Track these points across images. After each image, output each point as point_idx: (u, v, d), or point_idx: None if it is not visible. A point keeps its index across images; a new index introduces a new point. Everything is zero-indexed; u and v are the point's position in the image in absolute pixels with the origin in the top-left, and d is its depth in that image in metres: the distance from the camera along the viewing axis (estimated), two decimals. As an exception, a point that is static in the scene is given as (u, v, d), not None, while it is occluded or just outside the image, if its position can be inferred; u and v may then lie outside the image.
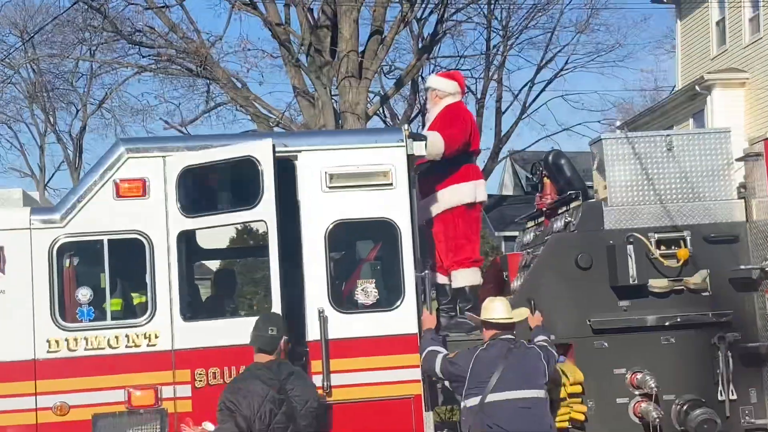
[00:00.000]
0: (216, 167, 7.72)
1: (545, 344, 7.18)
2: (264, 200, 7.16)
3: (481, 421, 6.76)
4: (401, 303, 7.42)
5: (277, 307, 7.06)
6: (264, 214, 7.19)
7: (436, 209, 8.35)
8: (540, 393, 6.90)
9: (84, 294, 7.23)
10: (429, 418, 7.40)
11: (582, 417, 7.57)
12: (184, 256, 7.55)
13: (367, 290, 7.62)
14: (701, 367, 7.76)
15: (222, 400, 6.36)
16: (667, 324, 7.75)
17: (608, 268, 7.77)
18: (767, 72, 24.25)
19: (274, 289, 7.09)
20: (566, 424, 7.57)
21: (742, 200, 8.01)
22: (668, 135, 8.17)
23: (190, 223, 7.46)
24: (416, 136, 7.92)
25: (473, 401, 6.87)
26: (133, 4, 24.03)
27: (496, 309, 7.13)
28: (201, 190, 8.03)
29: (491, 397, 6.77)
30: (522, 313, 7.36)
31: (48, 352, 7.08)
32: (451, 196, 8.33)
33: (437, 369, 7.09)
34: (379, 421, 7.32)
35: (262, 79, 45.72)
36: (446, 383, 7.28)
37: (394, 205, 7.49)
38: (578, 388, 7.53)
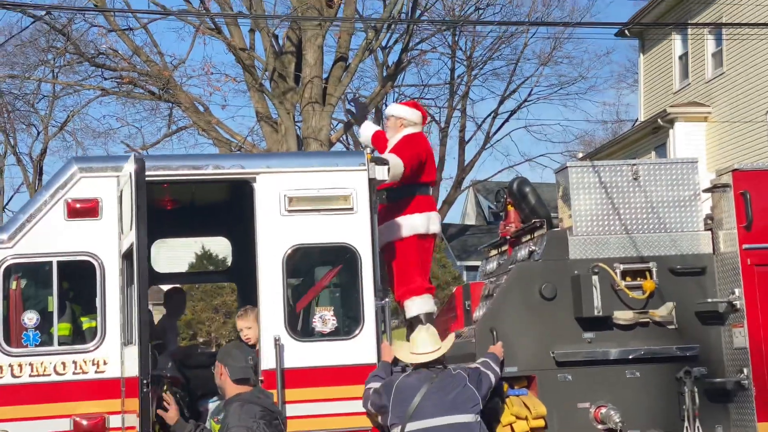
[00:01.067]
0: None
1: (477, 366, 7.08)
2: None
3: None
4: (360, 332, 7.32)
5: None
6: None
7: (388, 239, 8.30)
8: (468, 418, 6.79)
9: (30, 318, 7.05)
10: None
11: None
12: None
13: (325, 318, 7.49)
14: (667, 402, 7.68)
15: None
16: (631, 357, 7.67)
17: (573, 298, 7.70)
18: (729, 106, 24.54)
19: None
20: None
21: (709, 232, 7.99)
22: (634, 164, 8.14)
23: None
24: (378, 160, 7.88)
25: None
26: (96, 26, 23.90)
27: (419, 344, 7.07)
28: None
29: (410, 426, 6.70)
30: (449, 341, 7.27)
31: None
32: (405, 226, 8.31)
33: (368, 405, 7.06)
34: None
35: (224, 103, 45.61)
36: (379, 419, 7.15)
37: (354, 231, 7.41)
38: (541, 422, 7.43)
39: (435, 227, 8.51)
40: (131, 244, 6.88)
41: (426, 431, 6.73)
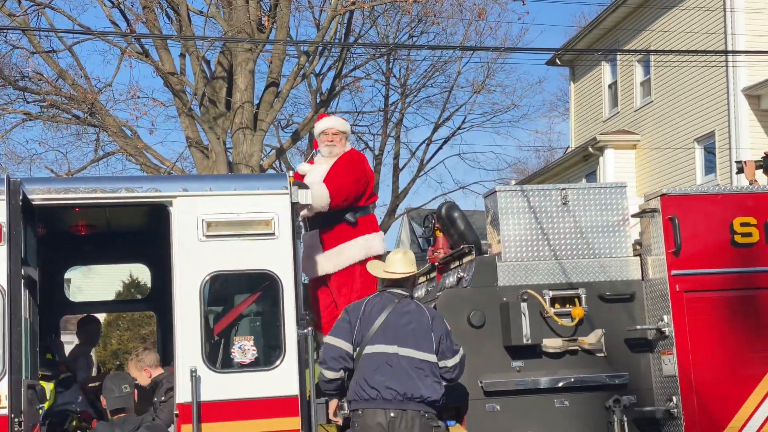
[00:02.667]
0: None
1: (448, 331, 7.16)
2: None
3: (357, 376, 7.01)
4: (281, 362, 7.16)
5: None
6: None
7: (333, 266, 8.29)
8: (429, 356, 6.94)
9: None
10: None
11: None
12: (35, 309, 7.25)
13: (244, 348, 7.30)
14: None
15: None
16: (560, 386, 7.67)
17: (501, 326, 7.67)
18: (658, 134, 24.95)
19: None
20: None
21: (638, 257, 8.06)
22: (563, 188, 8.18)
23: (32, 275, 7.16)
24: (302, 184, 7.80)
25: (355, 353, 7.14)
26: (19, 48, 23.48)
27: (394, 262, 7.30)
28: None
29: (368, 349, 7.00)
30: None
31: None
32: (350, 251, 8.29)
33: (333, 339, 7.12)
34: None
35: (153, 128, 45.33)
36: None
37: (276, 257, 7.27)
38: None
39: (377, 248, 8.47)
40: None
41: (381, 356, 6.90)
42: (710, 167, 23.14)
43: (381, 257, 8.37)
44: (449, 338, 7.11)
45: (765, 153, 10.53)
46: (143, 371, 7.86)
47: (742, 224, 7.80)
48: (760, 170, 10.27)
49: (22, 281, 6.74)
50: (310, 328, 7.40)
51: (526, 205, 7.99)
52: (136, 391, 7.29)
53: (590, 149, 26.63)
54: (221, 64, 22.69)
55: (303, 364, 7.24)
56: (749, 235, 7.80)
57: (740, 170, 10.82)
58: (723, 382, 7.64)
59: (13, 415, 6.29)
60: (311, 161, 8.87)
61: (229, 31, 21.60)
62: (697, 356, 7.61)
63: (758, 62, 20.55)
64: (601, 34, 27.55)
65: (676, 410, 7.53)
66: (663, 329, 7.62)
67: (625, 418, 7.61)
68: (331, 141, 8.61)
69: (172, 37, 22.61)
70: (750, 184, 10.22)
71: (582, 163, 27.61)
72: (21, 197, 6.69)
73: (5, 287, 6.64)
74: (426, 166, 37.32)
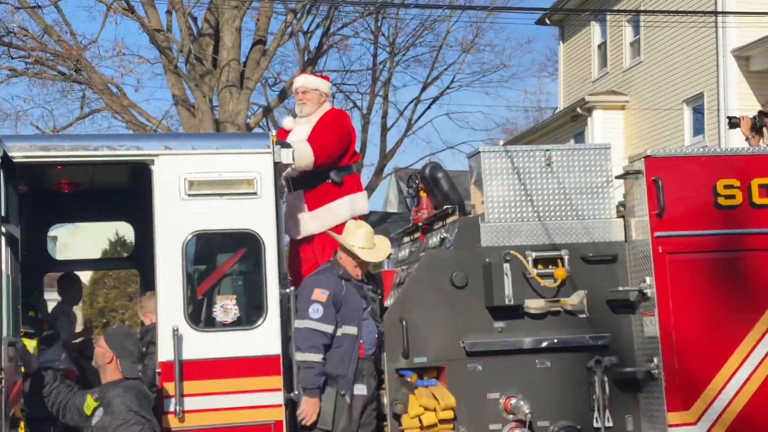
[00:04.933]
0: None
1: None
2: None
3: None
4: (263, 321, 7.21)
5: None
6: None
7: (319, 226, 8.32)
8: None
9: None
10: None
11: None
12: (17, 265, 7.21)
13: (226, 307, 7.33)
14: (577, 393, 7.73)
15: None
16: (542, 347, 7.71)
17: (484, 287, 7.69)
18: (647, 95, 24.97)
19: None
20: None
21: (621, 219, 8.08)
22: (547, 150, 8.17)
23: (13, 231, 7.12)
24: (285, 144, 7.80)
25: (351, 329, 7.40)
26: (4, 2, 23.23)
27: (381, 249, 7.70)
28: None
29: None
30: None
31: None
32: (332, 212, 8.31)
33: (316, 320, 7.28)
34: None
35: (138, 86, 45.09)
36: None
37: (258, 216, 7.31)
38: (449, 414, 7.41)
39: (362, 208, 8.53)
40: None
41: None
42: (699, 128, 23.21)
43: (365, 217, 8.39)
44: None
45: (759, 111, 10.54)
46: (145, 316, 7.95)
47: (726, 186, 7.78)
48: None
49: (3, 238, 6.71)
50: (291, 288, 7.46)
51: (509, 166, 7.97)
52: None
53: (579, 110, 26.68)
54: (208, 21, 22.56)
55: (285, 324, 7.28)
56: (732, 197, 7.78)
57: (735, 125, 10.79)
58: (704, 344, 7.65)
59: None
60: (281, 131, 8.85)
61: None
62: (679, 318, 7.63)
63: (748, 23, 20.51)
64: None
65: (656, 371, 7.56)
66: (645, 291, 7.65)
67: (606, 379, 7.64)
68: (301, 100, 8.63)
69: None
70: (746, 140, 10.28)
71: (570, 123, 27.63)
72: (1, 154, 6.64)
73: None
74: (414, 126, 37.15)
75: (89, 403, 6.92)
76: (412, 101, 36.95)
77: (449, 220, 8.28)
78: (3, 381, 6.31)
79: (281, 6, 24.76)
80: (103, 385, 6.36)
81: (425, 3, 29.96)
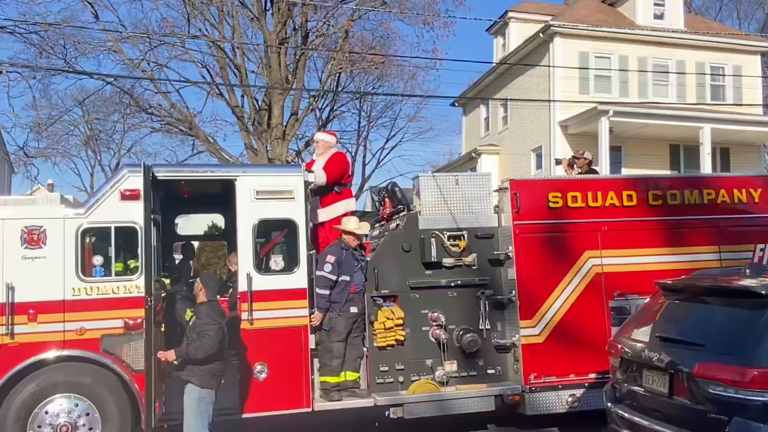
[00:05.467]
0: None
1: None
2: None
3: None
4: (297, 269, 7.23)
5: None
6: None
7: (327, 216, 8.19)
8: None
9: (97, 260, 6.78)
10: (312, 339, 7.25)
11: (402, 337, 7.49)
12: (158, 241, 7.27)
13: (277, 261, 7.41)
14: (470, 310, 7.75)
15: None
16: (452, 285, 7.73)
17: (420, 251, 7.70)
18: (510, 147, 25.03)
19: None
20: (393, 342, 7.45)
21: (497, 214, 8.04)
22: (456, 176, 8.18)
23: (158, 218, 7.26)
24: (310, 170, 7.83)
25: (346, 278, 7.36)
26: (148, 90, 22.97)
27: (363, 227, 7.70)
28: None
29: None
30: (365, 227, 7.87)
31: (73, 295, 6.61)
32: (337, 209, 8.17)
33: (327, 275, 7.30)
34: (283, 341, 7.11)
35: (225, 137, 44.81)
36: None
37: (295, 211, 7.31)
38: (400, 321, 7.45)
39: (352, 207, 8.43)
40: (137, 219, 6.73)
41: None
42: (539, 166, 23.01)
43: (353, 213, 8.38)
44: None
45: (572, 156, 10.45)
46: (232, 266, 7.90)
47: (553, 196, 7.80)
48: (575, 168, 10.18)
49: (152, 223, 6.76)
50: (314, 251, 7.46)
51: (435, 185, 7.92)
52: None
53: (473, 154, 26.40)
54: (265, 101, 22.34)
55: (310, 271, 7.26)
56: (557, 202, 7.77)
57: (558, 163, 10.73)
58: (539, 283, 7.66)
59: (147, 296, 6.37)
60: (311, 162, 8.65)
61: (269, 83, 21.33)
62: (527, 268, 7.67)
63: (567, 106, 20.68)
64: (480, 89, 27.30)
65: (514, 298, 7.61)
66: (509, 254, 7.68)
67: (487, 303, 7.72)
68: (317, 146, 8.55)
69: (236, 85, 22.29)
70: (565, 171, 10.23)
71: (468, 162, 27.31)
72: (150, 174, 6.71)
73: (142, 226, 6.65)
74: (381, 162, 37.22)
75: (188, 313, 7.01)
76: (380, 149, 36.98)
77: (401, 214, 8.26)
78: (152, 300, 6.39)
79: (306, 93, 24.66)
80: (197, 304, 6.35)
81: (388, 92, 30.13)
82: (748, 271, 5.58)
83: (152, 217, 6.77)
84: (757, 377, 4.59)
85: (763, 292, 4.96)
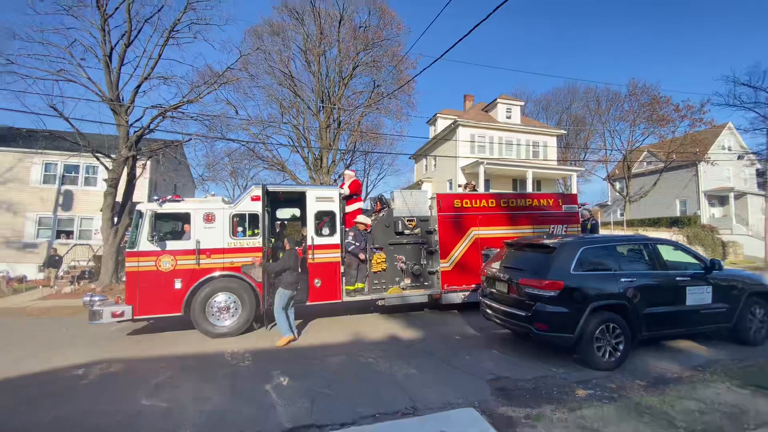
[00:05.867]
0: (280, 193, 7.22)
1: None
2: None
3: None
4: (335, 235, 6.93)
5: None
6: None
7: (349, 209, 7.56)
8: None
9: (239, 230, 6.65)
10: (341, 268, 6.90)
11: (384, 267, 7.07)
12: (268, 221, 6.85)
13: (325, 230, 7.05)
14: (417, 255, 7.29)
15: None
16: (407, 244, 7.24)
17: (394, 227, 7.10)
18: (438, 179, 24.22)
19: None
20: (380, 269, 7.00)
21: (430, 209, 7.49)
22: (411, 192, 7.66)
23: (268, 210, 7.02)
24: (343, 189, 7.40)
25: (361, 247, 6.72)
26: (262, 149, 21.43)
27: (367, 221, 6.96)
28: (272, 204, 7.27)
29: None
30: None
31: (228, 244, 6.48)
32: (354, 206, 7.57)
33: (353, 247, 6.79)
34: (327, 268, 6.75)
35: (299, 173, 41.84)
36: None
37: (335, 207, 6.99)
38: (383, 259, 7.14)
39: (362, 206, 7.73)
40: (259, 210, 6.46)
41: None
42: (451, 188, 21.37)
43: (363, 210, 7.80)
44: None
45: (468, 184, 9.41)
46: (305, 233, 6.98)
47: (456, 201, 7.37)
48: (467, 189, 9.16)
49: (266, 214, 6.58)
50: (343, 225, 7.14)
51: (401, 196, 7.50)
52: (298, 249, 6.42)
53: (419, 182, 25.21)
54: (319, 155, 21.55)
55: (342, 237, 6.92)
56: (460, 205, 7.36)
57: (460, 186, 9.71)
58: (449, 242, 7.15)
59: (263, 247, 6.07)
60: (342, 184, 7.80)
61: (321, 146, 20.25)
62: (443, 235, 7.07)
63: (464, 160, 19.95)
64: (423, 150, 25.97)
65: (437, 249, 7.06)
66: (435, 228, 7.16)
67: (425, 251, 7.22)
68: (345, 177, 7.81)
69: (305, 147, 21.44)
70: (464, 191, 9.05)
71: (417, 185, 26.15)
72: (265, 188, 6.66)
73: (261, 213, 6.52)
74: (375, 185, 36.11)
75: (280, 255, 6.56)
76: (375, 178, 36.04)
77: (385, 209, 7.61)
78: (266, 256, 6.30)
79: (340, 153, 24.00)
80: (287, 250, 5.98)
81: (379, 151, 29.47)
82: (545, 237, 5.74)
83: (266, 209, 6.67)
84: (547, 284, 4.99)
85: (551, 245, 5.27)
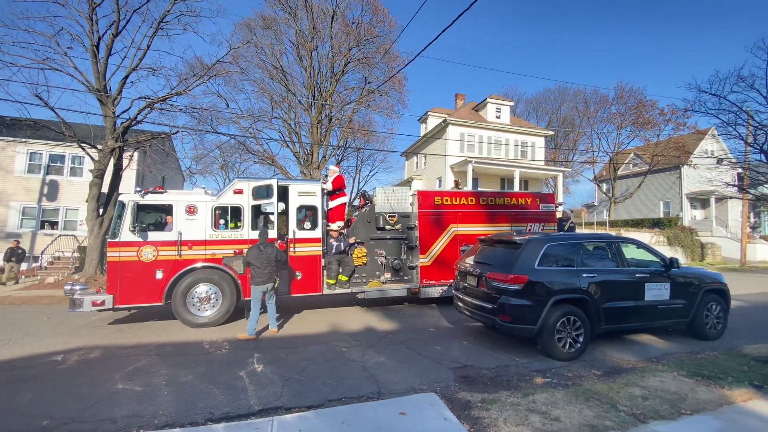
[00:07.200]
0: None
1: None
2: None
3: None
4: (316, 229, 6.98)
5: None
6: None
7: (332, 205, 7.56)
8: None
9: (221, 222, 6.68)
10: (322, 261, 6.99)
11: (366, 261, 7.11)
12: (257, 214, 6.89)
13: (306, 225, 7.07)
14: (397, 250, 7.39)
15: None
16: (389, 238, 7.32)
17: (375, 222, 7.30)
18: (427, 177, 23.99)
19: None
20: (361, 263, 7.06)
21: (411, 206, 7.53)
22: (393, 188, 7.70)
23: (255, 203, 6.77)
24: (326, 184, 7.40)
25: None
26: (252, 143, 21.44)
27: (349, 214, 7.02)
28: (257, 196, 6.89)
29: None
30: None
31: (209, 236, 6.49)
32: (338, 201, 7.54)
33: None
34: (308, 261, 6.81)
35: (288, 167, 41.76)
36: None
37: (317, 202, 7.02)
38: (364, 253, 7.17)
39: (346, 202, 7.69)
40: (241, 203, 6.41)
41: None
42: (440, 185, 21.29)
43: (346, 205, 7.77)
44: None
45: (455, 181, 9.42)
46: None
47: (437, 198, 7.37)
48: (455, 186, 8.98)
49: (279, 204, 6.84)
50: (325, 221, 7.16)
51: (383, 192, 7.56)
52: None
53: (410, 179, 25.03)
54: (311, 147, 21.65)
55: (324, 233, 6.96)
56: (441, 202, 7.06)
57: (452, 184, 10.44)
58: (429, 238, 7.20)
59: (291, 243, 6.21)
60: (326, 179, 7.72)
61: (312, 141, 20.18)
62: (423, 231, 7.12)
63: (453, 159, 20.09)
64: (414, 148, 25.88)
65: (417, 245, 7.14)
66: (416, 225, 7.26)
67: (405, 246, 7.30)
68: (329, 173, 7.74)
69: (296, 142, 21.64)
70: (453, 189, 8.57)
71: (407, 183, 26.20)
72: (278, 183, 6.40)
73: (245, 206, 6.45)
74: (366, 181, 35.74)
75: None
76: (366, 175, 35.26)
77: (368, 205, 7.67)
78: (292, 247, 6.38)
79: (332, 149, 23.99)
80: (250, 246, 5.95)
81: (371, 148, 29.41)
82: (515, 233, 5.86)
83: (277, 201, 6.64)
84: (511, 279, 5.13)
85: (518, 241, 5.39)
